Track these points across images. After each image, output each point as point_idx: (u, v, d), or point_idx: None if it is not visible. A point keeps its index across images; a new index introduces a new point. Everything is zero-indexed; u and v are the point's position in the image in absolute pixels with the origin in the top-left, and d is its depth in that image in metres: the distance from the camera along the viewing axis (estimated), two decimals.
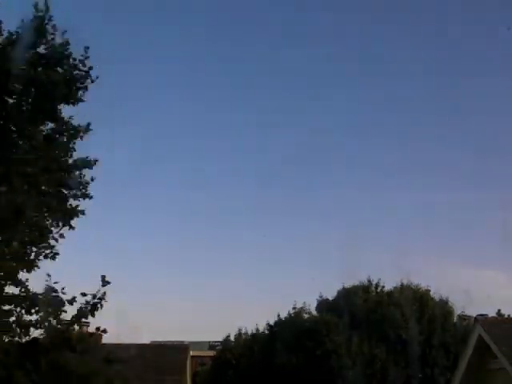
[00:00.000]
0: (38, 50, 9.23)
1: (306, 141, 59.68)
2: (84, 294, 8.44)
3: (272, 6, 56.37)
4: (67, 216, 9.24)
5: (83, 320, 8.61)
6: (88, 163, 9.56)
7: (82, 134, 9.58)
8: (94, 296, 8.47)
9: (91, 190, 9.65)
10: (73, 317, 8.55)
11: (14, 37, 8.95)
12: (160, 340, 27.96)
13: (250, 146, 65.32)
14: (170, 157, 66.48)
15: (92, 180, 9.65)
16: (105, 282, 8.42)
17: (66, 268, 8.91)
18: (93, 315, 8.53)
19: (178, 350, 15.49)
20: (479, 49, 56.71)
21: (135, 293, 52.89)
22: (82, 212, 9.51)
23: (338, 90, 59.61)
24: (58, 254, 8.60)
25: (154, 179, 67.44)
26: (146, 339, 26.43)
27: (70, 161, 9.50)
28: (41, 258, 8.58)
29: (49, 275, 8.45)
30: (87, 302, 8.51)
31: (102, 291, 8.49)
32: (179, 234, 69.48)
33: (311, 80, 59.14)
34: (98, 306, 8.52)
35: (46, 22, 9.17)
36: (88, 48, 9.44)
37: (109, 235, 59.99)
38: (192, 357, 18.26)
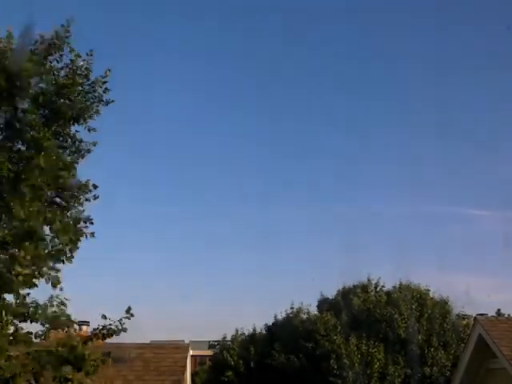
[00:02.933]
0: (54, 66, 9.13)
1: (307, 142, 59.86)
2: (104, 317, 8.27)
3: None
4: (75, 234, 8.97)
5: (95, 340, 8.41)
6: (86, 187, 9.28)
7: (86, 153, 9.46)
8: (115, 322, 8.28)
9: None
10: (87, 337, 8.39)
11: (29, 50, 8.82)
12: (160, 339, 27.86)
13: (251, 146, 65.53)
14: (169, 157, 66.66)
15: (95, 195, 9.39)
16: (129, 313, 8.25)
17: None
18: (105, 338, 8.38)
19: (177, 349, 15.43)
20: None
21: (135, 292, 52.91)
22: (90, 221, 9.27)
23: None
24: (60, 282, 8.37)
25: (152, 179, 67.61)
26: (145, 339, 26.33)
27: (72, 181, 9.15)
28: (42, 280, 8.35)
29: (66, 299, 8.32)
30: (104, 327, 8.35)
31: (123, 321, 8.29)
32: (179, 234, 69.63)
33: None
34: (115, 333, 8.36)
35: (64, 40, 9.05)
36: (109, 71, 9.33)
37: (109, 235, 59.98)
38: (191, 356, 18.21)
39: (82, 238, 8.88)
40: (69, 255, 8.56)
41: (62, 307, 8.42)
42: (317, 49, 62.57)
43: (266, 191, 65.69)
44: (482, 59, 57.73)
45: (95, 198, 9.37)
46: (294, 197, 62.17)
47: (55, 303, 8.37)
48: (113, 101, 9.52)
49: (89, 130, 9.39)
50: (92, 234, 9.07)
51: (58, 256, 8.48)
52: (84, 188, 9.28)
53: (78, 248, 8.76)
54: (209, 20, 63.32)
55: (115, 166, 56.30)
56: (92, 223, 9.17)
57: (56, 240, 8.50)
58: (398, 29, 61.34)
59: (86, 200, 9.34)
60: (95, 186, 9.34)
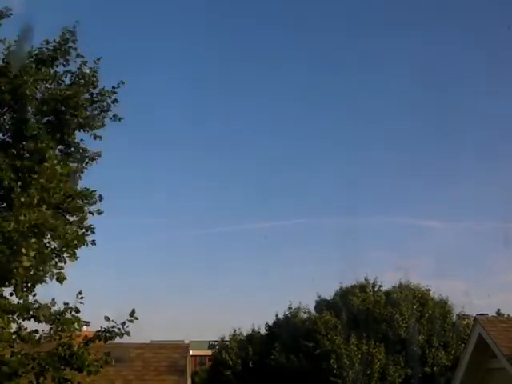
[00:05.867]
0: (59, 71, 9.05)
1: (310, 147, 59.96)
2: (108, 319, 8.16)
3: None
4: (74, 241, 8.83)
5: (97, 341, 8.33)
6: (92, 196, 9.13)
7: (91, 161, 9.36)
8: (118, 324, 8.18)
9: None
10: (89, 339, 8.31)
11: (34, 55, 8.78)
12: (160, 339, 27.88)
13: (250, 147, 65.68)
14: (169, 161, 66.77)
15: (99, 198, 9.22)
16: (132, 316, 8.14)
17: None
18: (107, 340, 8.32)
19: (177, 349, 15.41)
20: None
21: (135, 292, 52.90)
22: (92, 230, 9.11)
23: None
24: (65, 278, 8.28)
25: (153, 179, 67.66)
26: (145, 339, 26.35)
27: (76, 189, 9.09)
28: (47, 277, 8.25)
29: (80, 293, 8.16)
30: (106, 329, 8.23)
31: (126, 324, 8.17)
32: (179, 234, 69.70)
33: None
34: (118, 336, 8.25)
35: (71, 45, 8.96)
36: (123, 83, 9.19)
37: (109, 235, 60.03)
38: (191, 356, 18.20)
39: (83, 246, 8.76)
40: (72, 254, 8.50)
41: (75, 313, 8.32)
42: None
43: (266, 195, 65.92)
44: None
45: (99, 213, 9.25)
46: (295, 202, 62.34)
47: (71, 308, 8.29)
48: (121, 118, 9.38)
49: (94, 138, 9.31)
50: (93, 242, 8.96)
51: (61, 253, 8.42)
52: (89, 197, 9.15)
53: (76, 256, 8.66)
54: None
55: (118, 170, 56.43)
56: (93, 232, 9.09)
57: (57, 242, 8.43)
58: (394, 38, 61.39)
59: (90, 213, 9.20)
60: (101, 198, 9.21)
